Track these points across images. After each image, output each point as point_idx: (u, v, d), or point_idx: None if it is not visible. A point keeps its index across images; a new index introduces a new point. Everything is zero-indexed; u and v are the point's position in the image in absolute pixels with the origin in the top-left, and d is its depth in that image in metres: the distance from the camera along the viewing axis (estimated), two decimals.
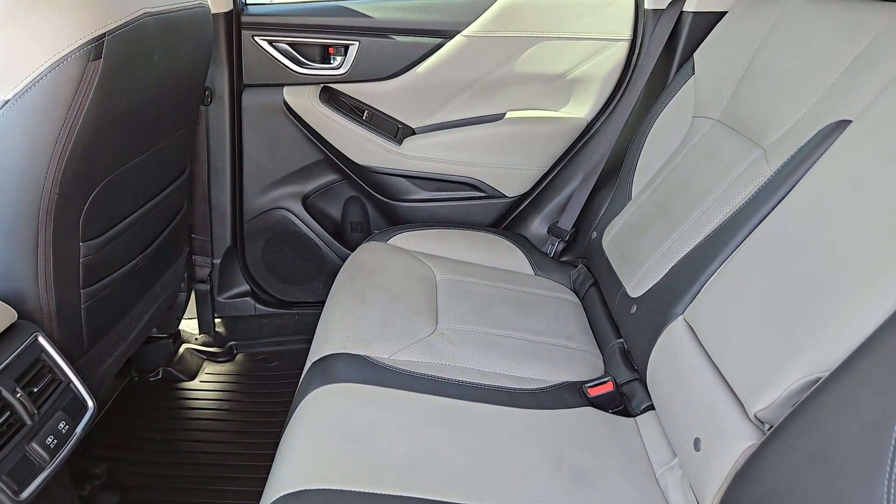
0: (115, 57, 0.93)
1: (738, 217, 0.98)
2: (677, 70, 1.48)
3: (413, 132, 1.74)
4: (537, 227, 1.75)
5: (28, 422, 0.88)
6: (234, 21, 1.58)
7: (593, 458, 0.93)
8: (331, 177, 1.83)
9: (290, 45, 1.63)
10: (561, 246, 1.64)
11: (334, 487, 0.80)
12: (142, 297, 1.38)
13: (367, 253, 1.50)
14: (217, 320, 1.87)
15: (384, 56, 1.64)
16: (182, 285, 1.69)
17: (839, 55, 1.00)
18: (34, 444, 0.88)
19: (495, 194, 1.75)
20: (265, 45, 1.62)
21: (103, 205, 1.08)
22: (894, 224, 0.69)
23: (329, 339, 1.16)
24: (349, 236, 1.91)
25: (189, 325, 1.87)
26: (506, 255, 1.58)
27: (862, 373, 0.63)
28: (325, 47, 1.65)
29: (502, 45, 1.65)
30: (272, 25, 1.61)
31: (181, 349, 1.80)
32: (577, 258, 1.63)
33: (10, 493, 0.81)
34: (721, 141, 1.22)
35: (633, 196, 1.41)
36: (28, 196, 0.92)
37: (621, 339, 1.22)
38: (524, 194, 1.76)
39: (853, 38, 1.00)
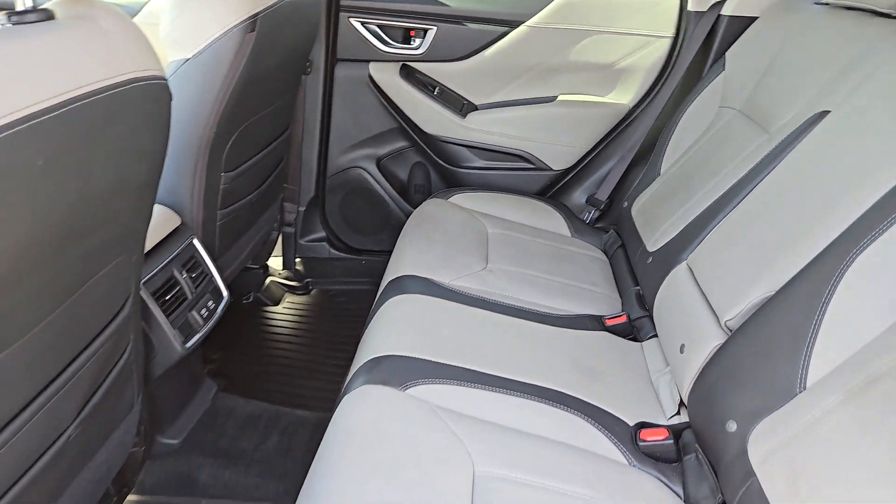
0: (264, 31, 1.24)
1: (738, 185, 1.23)
2: (711, 65, 1.71)
3: (476, 108, 2.01)
4: (577, 196, 2.01)
5: (189, 296, 1.21)
6: (335, 3, 1.88)
7: (604, 363, 1.20)
8: (402, 143, 2.12)
9: (379, 26, 1.92)
10: (596, 214, 1.90)
11: (409, 355, 1.10)
12: (251, 228, 1.71)
13: (431, 207, 1.79)
14: (297, 259, 2.20)
15: (457, 40, 1.91)
16: (275, 225, 2.02)
17: (837, 58, 1.22)
18: (193, 313, 1.21)
19: (543, 167, 2.01)
20: (358, 25, 1.91)
21: (238, 146, 1.40)
22: (838, 192, 0.93)
23: (401, 265, 1.46)
24: (413, 196, 2.20)
25: (274, 262, 2.20)
26: (548, 219, 1.84)
27: (797, 287, 0.89)
28: (408, 30, 1.93)
29: (560, 36, 1.90)
30: (365, 9, 1.90)
31: (267, 280, 2.14)
32: (610, 225, 1.88)
33: (181, 341, 1.14)
34: (738, 127, 1.45)
35: (661, 172, 1.65)
36: (195, 132, 1.25)
37: (638, 287, 1.47)
38: (568, 168, 2.02)
39: (850, 44, 1.21)
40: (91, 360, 0.81)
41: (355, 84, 1.99)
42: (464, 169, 2.06)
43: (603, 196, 1.89)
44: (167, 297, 1.15)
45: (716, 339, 1.00)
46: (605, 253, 1.75)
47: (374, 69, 1.96)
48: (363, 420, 0.96)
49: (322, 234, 2.18)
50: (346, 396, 1.02)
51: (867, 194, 0.87)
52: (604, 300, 1.48)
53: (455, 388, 1.05)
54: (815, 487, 0.73)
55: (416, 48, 1.94)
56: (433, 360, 1.10)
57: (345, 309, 2.12)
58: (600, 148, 1.99)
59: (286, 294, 2.14)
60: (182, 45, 1.19)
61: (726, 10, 1.69)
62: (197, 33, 1.19)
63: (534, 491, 0.89)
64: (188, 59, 1.20)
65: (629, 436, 1.04)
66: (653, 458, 1.01)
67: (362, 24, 1.91)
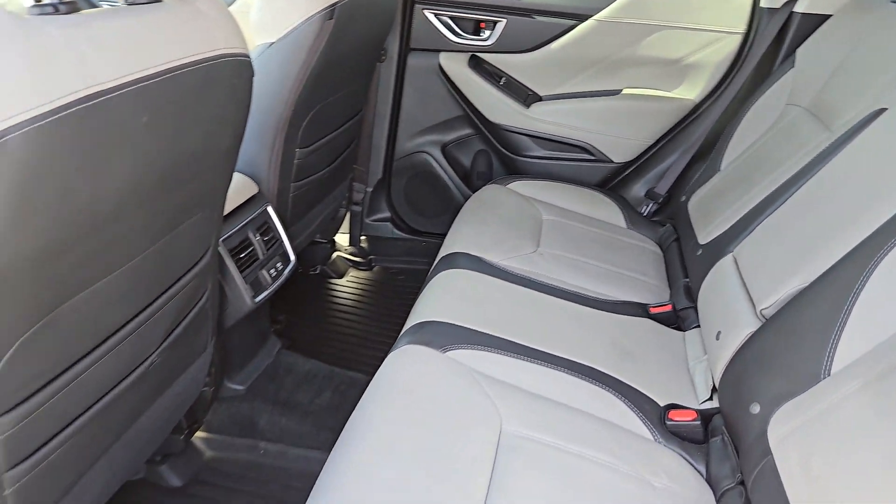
0: (341, 20, 1.35)
1: (791, 181, 1.22)
2: (781, 62, 1.68)
3: (540, 99, 2.05)
4: (637, 190, 2.02)
5: (260, 256, 1.34)
6: None
7: (642, 346, 1.24)
8: (466, 131, 2.20)
9: (451, 18, 2.00)
10: (654, 208, 1.90)
11: (452, 322, 1.18)
12: (320, 202, 1.84)
13: (490, 192, 1.86)
14: (362, 237, 2.33)
15: (526, 32, 1.96)
16: (343, 203, 2.16)
17: None
18: (263, 272, 1.34)
19: (603, 159, 2.04)
20: (431, 17, 2.00)
21: (314, 125, 1.52)
22: (879, 188, 0.93)
23: (455, 243, 1.54)
24: (475, 183, 2.27)
25: (341, 238, 2.34)
26: (605, 210, 1.87)
27: (830, 278, 0.90)
28: (478, 22, 2.01)
29: (628, 31, 1.91)
30: (438, 1, 1.99)
31: (333, 255, 2.28)
32: (667, 219, 1.88)
33: (251, 295, 1.28)
34: (802, 125, 1.43)
35: (721, 168, 1.64)
36: (275, 110, 1.37)
37: (688, 279, 1.49)
38: (629, 161, 2.03)
39: None
40: (174, 298, 0.94)
41: (426, 73, 2.08)
42: (525, 158, 2.11)
43: (662, 190, 1.90)
44: (241, 256, 1.29)
45: (750, 327, 1.02)
46: (660, 246, 1.77)
47: (445, 59, 2.04)
48: (403, 375, 1.05)
49: (387, 214, 2.29)
50: (390, 354, 1.12)
51: None
52: (651, 290, 1.50)
53: (492, 355, 1.13)
54: (827, 469, 0.76)
55: (486, 39, 2.00)
56: (475, 328, 1.18)
57: (403, 286, 2.23)
58: (663, 142, 1.99)
59: (350, 269, 2.28)
60: (268, 30, 1.32)
61: (799, 8, 1.65)
62: (281, 20, 1.32)
63: (557, 452, 0.95)
64: (272, 44, 1.33)
65: (658, 415, 1.08)
66: (678, 437, 1.04)
67: (435, 15, 2.00)
